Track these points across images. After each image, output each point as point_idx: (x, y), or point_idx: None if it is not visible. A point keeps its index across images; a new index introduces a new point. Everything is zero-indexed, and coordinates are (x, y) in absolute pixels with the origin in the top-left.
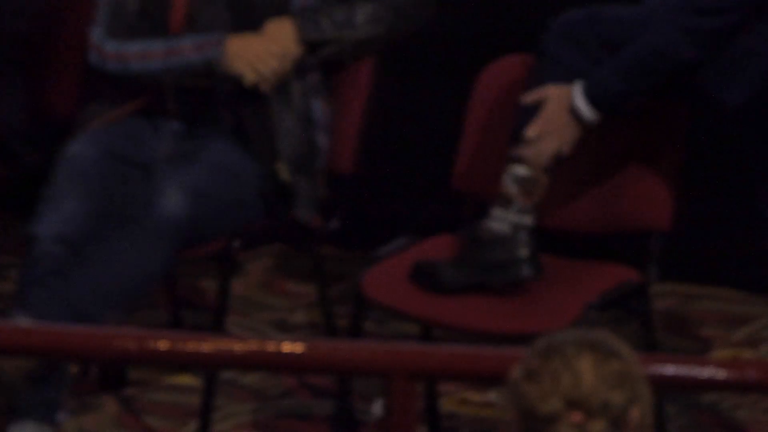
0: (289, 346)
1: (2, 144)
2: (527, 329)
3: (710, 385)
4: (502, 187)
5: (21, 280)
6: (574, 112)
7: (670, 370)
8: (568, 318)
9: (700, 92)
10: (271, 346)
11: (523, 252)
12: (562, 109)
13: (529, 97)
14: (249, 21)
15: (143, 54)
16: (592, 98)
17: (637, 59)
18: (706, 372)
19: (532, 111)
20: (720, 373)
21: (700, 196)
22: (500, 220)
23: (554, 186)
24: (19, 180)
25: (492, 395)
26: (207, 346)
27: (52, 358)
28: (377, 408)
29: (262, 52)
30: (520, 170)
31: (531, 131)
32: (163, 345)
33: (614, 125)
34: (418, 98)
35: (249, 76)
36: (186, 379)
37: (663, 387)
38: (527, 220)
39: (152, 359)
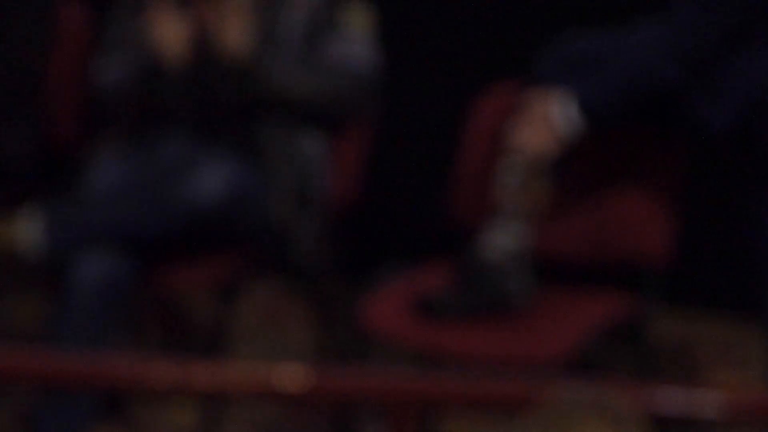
0: (290, 374)
1: (11, 176)
2: (524, 356)
3: (709, 413)
4: (496, 197)
5: (56, 318)
6: (553, 120)
7: (665, 398)
8: (566, 345)
9: (687, 116)
10: (273, 372)
11: (519, 281)
12: (542, 121)
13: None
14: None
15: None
16: (582, 106)
17: (622, 73)
18: (703, 401)
19: None
20: (723, 402)
21: (695, 221)
22: (493, 249)
23: (553, 212)
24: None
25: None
26: (208, 372)
27: (49, 385)
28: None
29: None
30: (510, 178)
31: (519, 137)
32: (161, 372)
33: (612, 152)
34: (411, 122)
35: None
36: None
37: (659, 415)
38: (524, 247)
39: (151, 386)
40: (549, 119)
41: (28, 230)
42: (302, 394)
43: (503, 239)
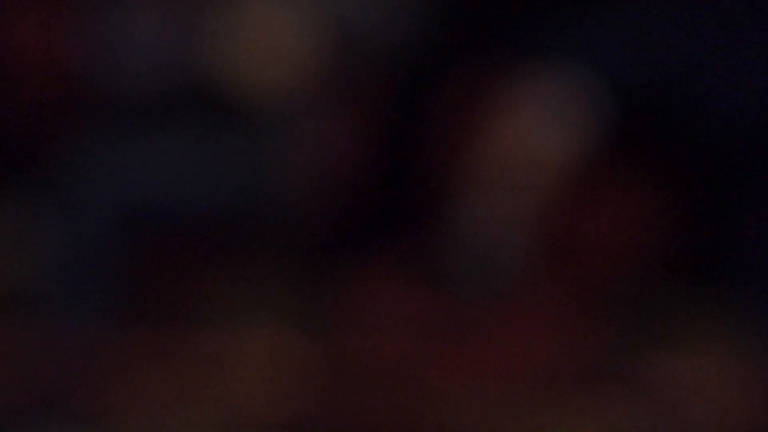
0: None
1: None
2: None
3: None
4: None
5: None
6: (562, 114)
7: None
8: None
9: (691, 119)
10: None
11: (503, 258)
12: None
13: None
14: None
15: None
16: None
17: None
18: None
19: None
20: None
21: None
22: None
23: (551, 213)
24: None
25: None
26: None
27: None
28: None
29: None
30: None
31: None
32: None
33: (603, 160)
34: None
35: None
36: None
37: None
38: (504, 232)
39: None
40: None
41: None
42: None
43: (489, 214)
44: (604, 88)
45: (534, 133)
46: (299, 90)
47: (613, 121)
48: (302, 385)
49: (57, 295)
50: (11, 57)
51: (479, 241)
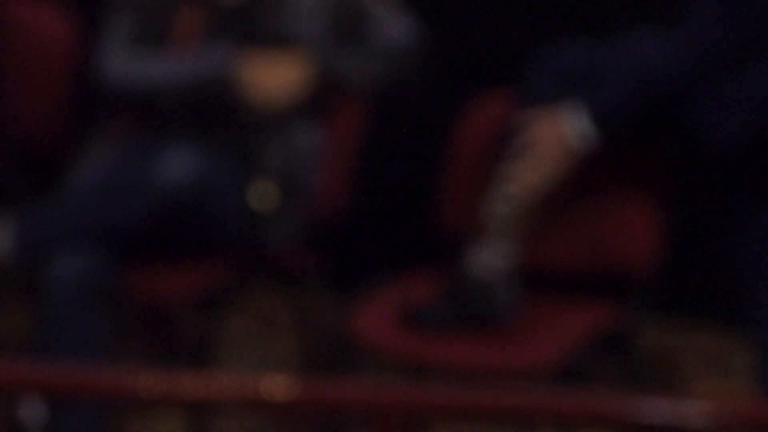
0: (277, 385)
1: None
2: (511, 367)
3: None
4: (482, 222)
5: (39, 325)
6: (565, 141)
7: (653, 408)
8: (553, 356)
9: (692, 131)
10: (260, 383)
11: (507, 293)
12: (551, 141)
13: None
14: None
15: (148, 73)
16: (595, 116)
17: (636, 81)
18: (690, 410)
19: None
20: (705, 414)
21: (681, 231)
22: (480, 265)
23: (541, 222)
24: None
25: None
26: (194, 383)
27: (36, 395)
28: None
29: (279, 88)
30: (503, 208)
31: (519, 165)
32: (148, 382)
33: (599, 162)
34: (397, 130)
35: (259, 107)
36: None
37: (646, 426)
38: (512, 260)
39: (137, 397)
40: (561, 140)
41: (9, 243)
42: (288, 404)
43: (491, 256)
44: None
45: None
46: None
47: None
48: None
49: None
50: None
51: (483, 275)
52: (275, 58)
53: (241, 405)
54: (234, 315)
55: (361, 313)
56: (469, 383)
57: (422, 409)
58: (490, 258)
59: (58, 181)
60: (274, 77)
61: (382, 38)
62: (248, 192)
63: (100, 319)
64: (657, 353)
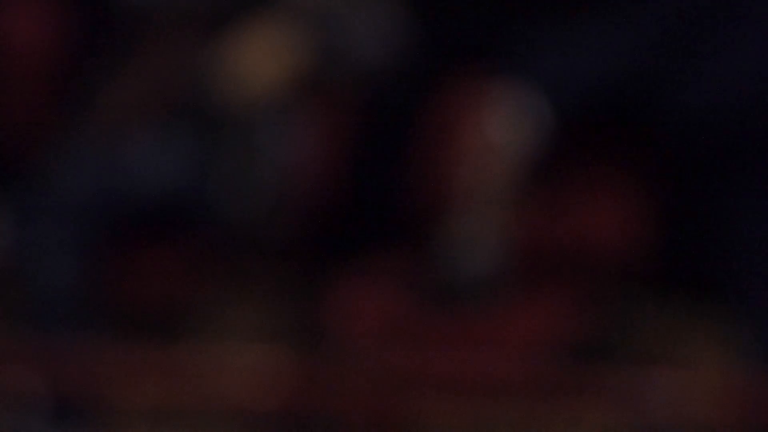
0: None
1: None
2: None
3: None
4: (463, 188)
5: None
6: (522, 115)
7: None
8: (538, 338)
9: (668, 107)
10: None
11: (481, 276)
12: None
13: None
14: None
15: None
16: (550, 95)
17: (593, 61)
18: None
19: None
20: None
21: (661, 224)
22: (462, 234)
23: (523, 214)
24: None
25: None
26: (173, 353)
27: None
28: None
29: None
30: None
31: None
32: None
33: (577, 155)
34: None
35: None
36: None
37: None
38: (494, 231)
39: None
40: (517, 115)
41: None
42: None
43: (473, 225)
44: (547, 102)
45: (499, 138)
46: (284, 101)
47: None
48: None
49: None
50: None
51: (462, 251)
52: None
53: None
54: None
55: (338, 291)
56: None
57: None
58: (471, 225)
59: (36, 182)
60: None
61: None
62: (225, 180)
63: (83, 317)
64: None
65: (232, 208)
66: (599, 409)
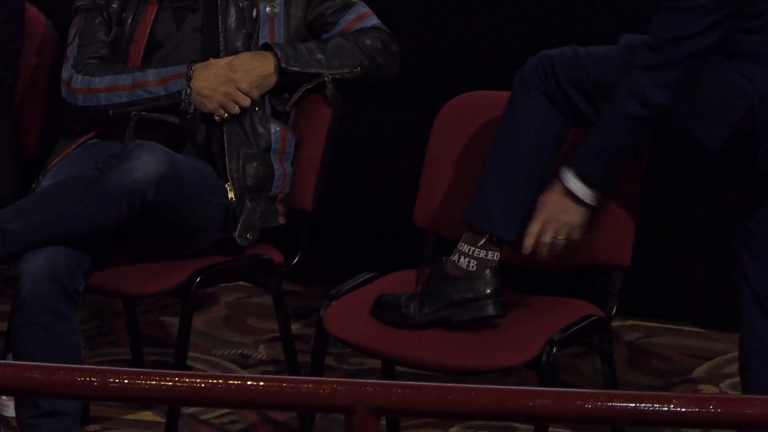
0: (251, 382)
1: None
2: (489, 365)
3: (671, 421)
4: (467, 227)
5: (10, 322)
6: (571, 195)
7: (630, 406)
8: (531, 353)
9: (684, 139)
10: (233, 382)
11: (489, 289)
12: (558, 196)
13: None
14: (217, 49)
15: (110, 88)
16: (584, 180)
17: (611, 132)
18: (667, 408)
19: None
20: (681, 409)
21: (661, 231)
22: (466, 256)
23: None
24: None
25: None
26: (168, 382)
27: (10, 394)
28: None
29: (231, 90)
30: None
31: (532, 226)
32: (124, 381)
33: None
34: (380, 133)
35: (218, 114)
36: (147, 415)
37: (623, 423)
38: (493, 257)
39: (114, 396)
40: (565, 203)
41: None
42: (262, 403)
43: (476, 249)
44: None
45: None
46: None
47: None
48: None
49: None
50: None
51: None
52: (237, 59)
53: (215, 403)
54: (208, 314)
55: (336, 307)
56: (443, 380)
57: (394, 405)
58: (475, 251)
59: (33, 180)
60: (229, 87)
61: (350, 36)
62: (218, 188)
63: (71, 320)
64: (637, 355)
65: None
66: None
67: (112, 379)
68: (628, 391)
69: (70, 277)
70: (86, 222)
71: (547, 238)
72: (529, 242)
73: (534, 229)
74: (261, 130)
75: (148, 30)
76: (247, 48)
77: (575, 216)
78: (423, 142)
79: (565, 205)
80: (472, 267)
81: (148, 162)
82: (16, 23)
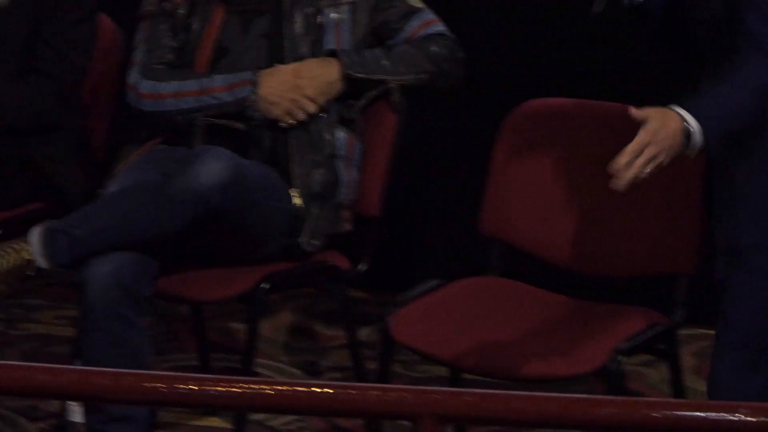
0: (318, 389)
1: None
2: (555, 373)
3: (739, 430)
4: None
5: (78, 326)
6: (687, 138)
7: (698, 415)
8: (597, 362)
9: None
10: (300, 389)
11: None
12: (677, 132)
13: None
14: (282, 55)
15: (177, 93)
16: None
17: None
18: (734, 417)
19: None
20: (749, 419)
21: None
22: None
23: (581, 230)
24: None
25: None
26: (236, 388)
27: (78, 400)
28: None
29: (298, 97)
30: None
31: (644, 147)
32: (192, 387)
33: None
34: (445, 139)
35: (284, 120)
36: (215, 421)
37: None
38: None
39: (181, 402)
40: (679, 136)
41: (38, 246)
42: (330, 410)
43: None
44: None
45: None
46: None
47: None
48: None
49: None
50: None
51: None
52: (303, 65)
53: (282, 410)
54: (275, 320)
55: (403, 315)
56: (509, 388)
57: (461, 413)
58: None
59: (99, 185)
60: (296, 93)
61: (415, 42)
62: (283, 193)
63: (138, 325)
64: (705, 363)
65: None
66: None
67: (179, 385)
68: (696, 400)
69: (137, 282)
70: (152, 227)
71: (644, 162)
72: (629, 157)
73: (648, 151)
74: (327, 136)
75: (215, 36)
76: (313, 54)
77: (675, 152)
78: (488, 148)
79: (678, 142)
80: None
81: (213, 167)
82: (89, 24)
